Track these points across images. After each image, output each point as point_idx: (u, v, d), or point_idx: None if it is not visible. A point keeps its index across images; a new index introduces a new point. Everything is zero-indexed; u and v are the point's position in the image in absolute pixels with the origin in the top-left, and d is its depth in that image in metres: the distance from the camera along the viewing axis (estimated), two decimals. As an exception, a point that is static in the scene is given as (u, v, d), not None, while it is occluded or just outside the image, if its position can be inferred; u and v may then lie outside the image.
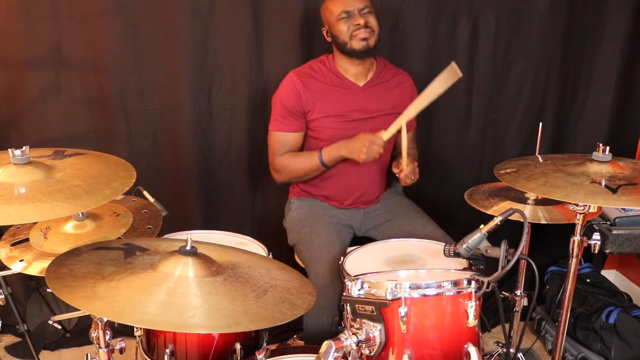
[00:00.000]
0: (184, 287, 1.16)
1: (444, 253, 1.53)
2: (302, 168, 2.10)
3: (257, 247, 1.84)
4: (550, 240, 2.45)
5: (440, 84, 1.85)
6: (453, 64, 1.83)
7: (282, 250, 2.22)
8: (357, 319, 1.50)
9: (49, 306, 2.55)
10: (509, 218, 1.47)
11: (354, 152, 1.96)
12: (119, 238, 1.52)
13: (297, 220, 2.14)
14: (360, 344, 1.43)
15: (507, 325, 2.08)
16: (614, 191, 1.41)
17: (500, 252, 1.43)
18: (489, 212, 1.85)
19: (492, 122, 2.58)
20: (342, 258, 1.74)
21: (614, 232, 2.26)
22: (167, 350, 1.53)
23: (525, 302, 2.05)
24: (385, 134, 1.95)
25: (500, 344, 2.12)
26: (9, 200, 1.17)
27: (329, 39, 2.07)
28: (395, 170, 2.05)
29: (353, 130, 2.06)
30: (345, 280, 1.59)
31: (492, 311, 2.52)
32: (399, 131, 1.96)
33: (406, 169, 1.99)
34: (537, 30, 2.47)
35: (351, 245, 2.05)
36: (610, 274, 2.85)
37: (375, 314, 1.45)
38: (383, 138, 1.94)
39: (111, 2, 2.20)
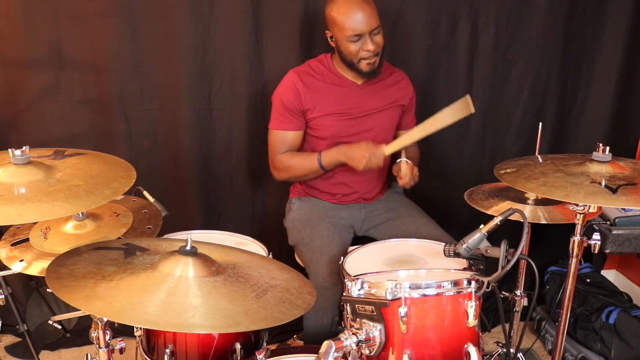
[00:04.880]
0: (184, 287, 1.16)
1: (444, 253, 1.53)
2: (301, 168, 2.10)
3: (257, 247, 1.84)
4: (550, 240, 2.45)
5: (452, 113, 1.86)
6: (467, 98, 1.83)
7: (282, 250, 2.22)
8: (357, 319, 1.50)
9: (49, 306, 2.55)
10: (509, 218, 1.47)
11: (354, 159, 1.96)
12: (119, 238, 1.52)
13: (298, 221, 2.14)
14: (360, 344, 1.43)
15: (507, 325, 2.08)
16: (614, 191, 1.41)
17: (500, 252, 1.43)
18: (489, 212, 1.85)
19: (492, 122, 2.58)
20: (342, 258, 1.74)
21: (614, 232, 2.26)
22: (167, 350, 1.53)
23: (525, 302, 2.05)
24: (387, 148, 1.96)
25: (500, 344, 2.12)
26: (9, 200, 1.17)
27: (332, 44, 2.05)
28: (395, 173, 2.05)
29: (353, 128, 2.08)
30: (345, 280, 1.59)
31: (492, 311, 2.52)
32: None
33: (405, 178, 1.99)
34: (537, 30, 2.47)
35: (352, 245, 2.05)
36: (610, 274, 2.85)
37: (375, 314, 1.45)
38: (385, 153, 1.96)
39: (111, 2, 2.20)
